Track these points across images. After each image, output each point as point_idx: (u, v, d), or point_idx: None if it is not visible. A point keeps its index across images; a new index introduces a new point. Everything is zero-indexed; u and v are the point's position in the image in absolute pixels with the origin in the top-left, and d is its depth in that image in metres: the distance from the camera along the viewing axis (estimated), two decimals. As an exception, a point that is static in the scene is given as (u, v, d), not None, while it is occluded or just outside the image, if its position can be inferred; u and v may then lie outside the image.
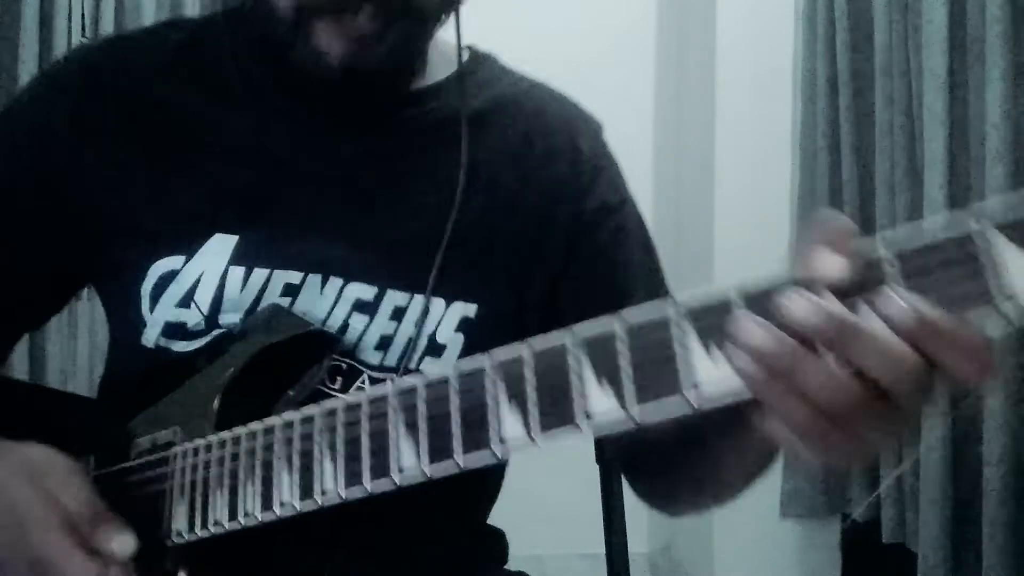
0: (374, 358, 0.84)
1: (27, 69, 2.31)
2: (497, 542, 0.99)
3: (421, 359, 0.84)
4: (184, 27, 0.94)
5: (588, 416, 0.56)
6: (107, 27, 2.39)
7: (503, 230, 0.87)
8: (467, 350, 0.84)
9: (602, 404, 0.55)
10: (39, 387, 1.06)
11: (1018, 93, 1.76)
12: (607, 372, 0.55)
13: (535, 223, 0.88)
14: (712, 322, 0.52)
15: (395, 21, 0.78)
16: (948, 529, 1.88)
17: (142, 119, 0.87)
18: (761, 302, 0.50)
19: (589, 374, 0.56)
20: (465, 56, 0.92)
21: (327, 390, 0.82)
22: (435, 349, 0.84)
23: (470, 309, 0.84)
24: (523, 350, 0.59)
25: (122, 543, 0.73)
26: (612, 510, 1.12)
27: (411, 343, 0.83)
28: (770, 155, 2.49)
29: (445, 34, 0.89)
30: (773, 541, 2.45)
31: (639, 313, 0.56)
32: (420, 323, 0.83)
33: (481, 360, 0.61)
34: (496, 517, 0.99)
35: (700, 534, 2.54)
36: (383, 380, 0.80)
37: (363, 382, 0.84)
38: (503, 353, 0.60)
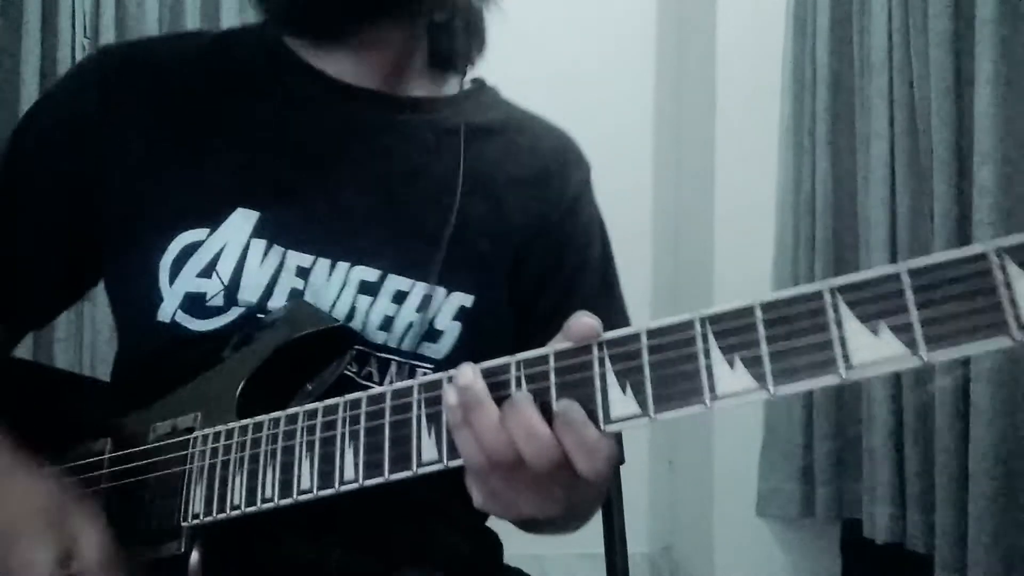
0: (379, 338, 0.87)
1: (30, 70, 2.32)
2: (491, 542, 1.01)
3: (419, 343, 0.88)
4: (205, 36, 1.01)
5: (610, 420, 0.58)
6: (108, 27, 2.40)
7: (498, 231, 0.94)
8: (463, 337, 0.89)
9: (626, 408, 0.57)
10: (56, 370, 1.07)
11: (1008, 94, 1.75)
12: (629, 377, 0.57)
13: (522, 233, 0.95)
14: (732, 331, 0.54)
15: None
16: (962, 531, 1.88)
17: (172, 105, 0.91)
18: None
19: (612, 377, 0.58)
20: (468, 83, 1.02)
21: (345, 372, 0.84)
22: (433, 335, 0.89)
23: (468, 300, 0.90)
24: (548, 351, 0.61)
25: None
26: (612, 510, 1.13)
27: (411, 326, 0.87)
28: (771, 156, 2.48)
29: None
30: (773, 541, 2.46)
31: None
32: (424, 309, 0.88)
33: (506, 359, 0.64)
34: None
35: (700, 534, 2.55)
36: (388, 362, 0.87)
37: (370, 364, 0.87)
38: (527, 353, 0.63)
